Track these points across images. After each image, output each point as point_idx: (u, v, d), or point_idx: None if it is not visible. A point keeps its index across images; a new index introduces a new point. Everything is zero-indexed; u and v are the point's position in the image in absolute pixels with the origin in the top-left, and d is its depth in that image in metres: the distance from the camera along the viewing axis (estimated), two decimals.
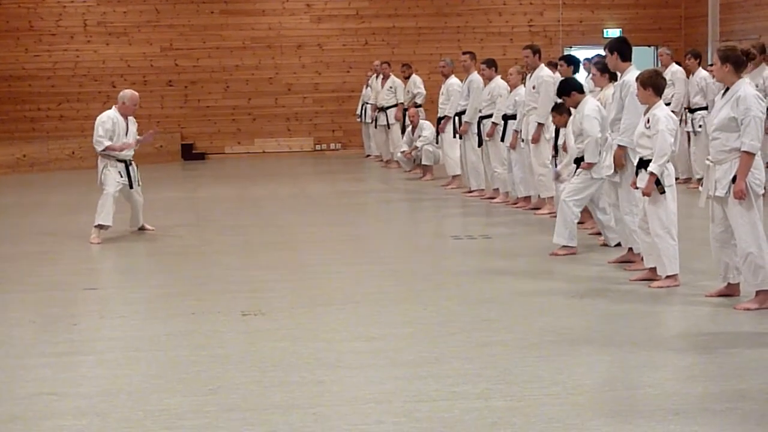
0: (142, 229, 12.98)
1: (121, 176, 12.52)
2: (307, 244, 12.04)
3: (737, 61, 8.17)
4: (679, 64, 17.89)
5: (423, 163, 18.68)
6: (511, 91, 14.77)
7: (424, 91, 20.77)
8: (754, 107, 8.02)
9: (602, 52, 10.95)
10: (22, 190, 18.48)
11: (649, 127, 9.06)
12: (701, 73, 16.46)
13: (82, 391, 6.42)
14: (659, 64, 23.36)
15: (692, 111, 16.48)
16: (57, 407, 6.14)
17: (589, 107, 10.77)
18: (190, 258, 11.39)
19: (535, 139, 13.62)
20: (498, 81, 15.32)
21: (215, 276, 10.15)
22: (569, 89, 11.17)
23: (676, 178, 9.48)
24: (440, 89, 17.74)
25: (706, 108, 16.11)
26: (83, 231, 12.77)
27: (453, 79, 17.26)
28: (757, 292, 8.24)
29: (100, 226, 12.35)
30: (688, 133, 16.66)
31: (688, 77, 16.96)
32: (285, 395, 6.23)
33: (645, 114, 9.18)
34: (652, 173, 8.91)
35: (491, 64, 15.33)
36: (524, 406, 5.94)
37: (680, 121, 17.64)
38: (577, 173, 10.77)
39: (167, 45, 24.68)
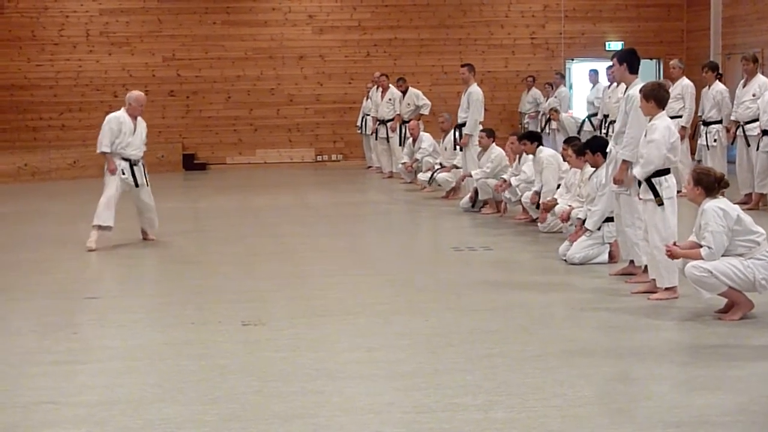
0: (144, 237, 12.97)
1: (124, 174, 12.55)
2: (308, 254, 12.04)
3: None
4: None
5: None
6: None
7: (429, 102, 20.90)
8: None
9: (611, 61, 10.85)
10: (23, 199, 18.47)
11: (646, 137, 9.11)
12: (717, 86, 16.29)
13: (82, 400, 6.41)
14: (662, 77, 23.50)
15: (707, 124, 16.33)
16: (56, 416, 6.13)
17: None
18: (191, 267, 11.39)
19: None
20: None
21: (215, 286, 10.14)
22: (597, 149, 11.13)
23: (678, 191, 9.48)
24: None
25: (720, 122, 16.02)
26: (84, 240, 12.74)
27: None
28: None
29: (99, 227, 12.37)
30: (701, 146, 16.58)
31: (701, 89, 16.91)
32: (284, 405, 6.22)
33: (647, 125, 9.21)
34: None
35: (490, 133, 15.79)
36: (524, 418, 5.93)
37: (694, 134, 17.66)
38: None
39: (169, 55, 24.71)
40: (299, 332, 8.12)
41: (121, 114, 12.72)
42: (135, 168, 12.69)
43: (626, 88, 10.04)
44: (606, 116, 18.62)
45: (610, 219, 10.67)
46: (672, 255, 8.45)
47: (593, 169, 11.11)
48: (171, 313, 8.96)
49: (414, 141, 19.28)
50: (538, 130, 23.08)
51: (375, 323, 8.40)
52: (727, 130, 15.77)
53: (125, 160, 12.64)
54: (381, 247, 12.78)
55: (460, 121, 16.53)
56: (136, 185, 12.67)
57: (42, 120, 24.50)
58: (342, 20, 25.12)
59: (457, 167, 17.20)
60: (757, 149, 14.97)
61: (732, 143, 15.91)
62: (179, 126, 24.84)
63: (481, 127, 15.92)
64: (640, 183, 9.25)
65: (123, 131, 12.60)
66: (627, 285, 9.75)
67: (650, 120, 9.18)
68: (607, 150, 10.33)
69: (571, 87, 25.57)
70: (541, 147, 13.67)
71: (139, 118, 12.82)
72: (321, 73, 25.16)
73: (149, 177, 13.02)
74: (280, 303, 9.25)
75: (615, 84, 17.81)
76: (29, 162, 22.03)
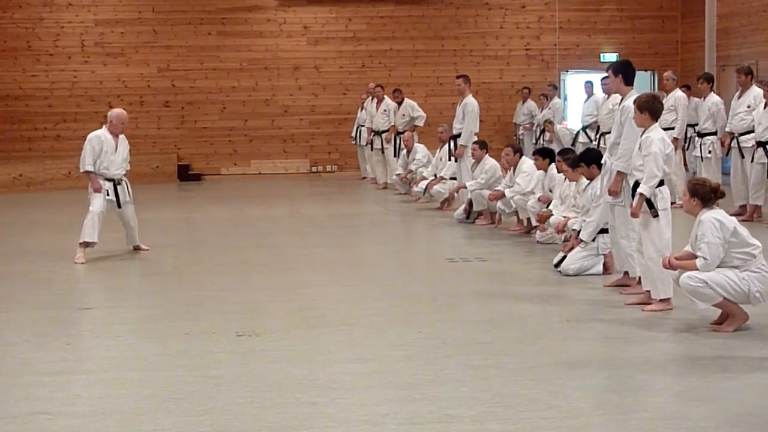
0: (136, 248, 12.99)
1: (108, 195, 12.54)
2: (302, 265, 12.03)
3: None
4: (689, 87, 17.92)
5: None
6: None
7: (424, 114, 20.92)
8: None
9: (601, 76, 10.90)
10: (17, 210, 18.45)
11: (640, 149, 9.11)
12: (713, 98, 16.30)
13: (76, 410, 6.40)
14: (656, 88, 23.54)
15: (701, 136, 16.34)
16: (50, 427, 6.11)
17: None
18: (185, 278, 11.37)
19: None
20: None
21: (210, 296, 10.13)
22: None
23: (672, 203, 9.48)
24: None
25: (715, 133, 16.03)
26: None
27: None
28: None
29: (85, 244, 12.37)
30: (696, 158, 16.61)
31: (689, 101, 16.91)
32: (278, 416, 6.21)
33: (641, 136, 9.21)
34: (641, 194, 8.95)
35: (483, 145, 15.81)
36: (519, 430, 5.92)
37: (687, 146, 17.72)
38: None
39: (164, 66, 24.71)
40: (294, 343, 8.11)
41: (102, 132, 12.66)
42: (119, 187, 12.66)
43: (621, 100, 10.03)
44: (598, 127, 18.68)
45: (604, 230, 10.67)
46: (670, 267, 8.45)
47: (588, 180, 11.12)
48: (165, 323, 8.94)
49: (408, 152, 19.30)
50: (533, 141, 23.14)
51: (370, 334, 8.39)
52: (722, 142, 15.78)
53: (108, 180, 12.61)
54: (376, 257, 12.77)
55: (455, 132, 16.54)
56: (119, 206, 12.66)
57: (37, 130, 24.49)
58: (337, 31, 25.14)
59: (444, 178, 17.22)
60: (752, 161, 14.99)
61: (726, 155, 15.93)
62: (174, 136, 24.83)
63: (475, 139, 15.94)
64: (633, 194, 9.26)
65: (104, 150, 12.55)
66: (621, 296, 9.76)
67: (643, 132, 9.19)
68: (602, 161, 10.35)
69: (565, 98, 25.61)
70: (552, 164, 13.61)
71: (122, 136, 12.77)
72: (316, 84, 25.17)
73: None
74: (275, 314, 9.24)
75: (606, 95, 17.84)
76: (24, 172, 22.01)
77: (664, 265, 8.54)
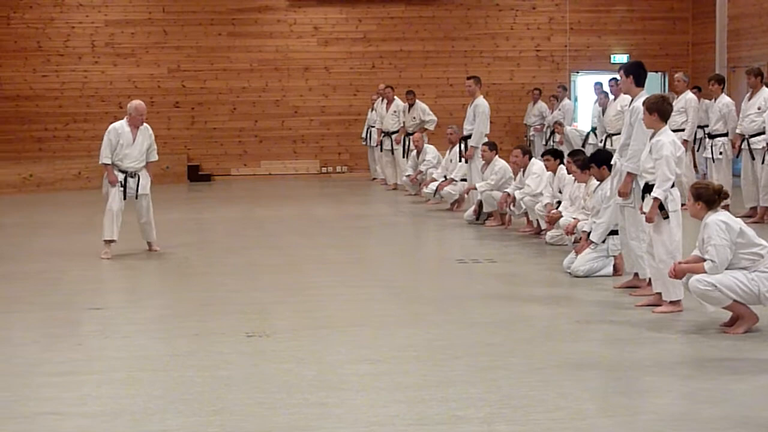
0: (150, 249, 13.00)
1: (121, 186, 12.60)
2: (312, 266, 12.04)
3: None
4: (699, 88, 17.86)
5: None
6: None
7: (435, 118, 20.91)
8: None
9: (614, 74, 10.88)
10: (28, 210, 18.49)
11: (651, 152, 9.10)
12: (723, 99, 16.24)
13: (85, 410, 6.42)
14: (667, 90, 23.52)
15: (712, 137, 16.30)
16: (60, 427, 6.13)
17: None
18: (195, 279, 11.39)
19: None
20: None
21: (219, 297, 10.15)
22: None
23: (683, 204, 9.47)
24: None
25: (726, 134, 15.98)
26: (88, 251, 12.78)
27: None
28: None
29: (107, 242, 12.48)
30: (707, 159, 16.59)
31: (699, 102, 16.88)
32: (288, 417, 6.22)
33: (650, 139, 9.19)
34: (655, 198, 8.93)
35: (493, 146, 15.76)
36: (527, 431, 5.92)
37: (698, 147, 17.69)
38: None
39: (175, 66, 24.75)
40: (303, 344, 8.12)
41: (121, 125, 12.74)
42: (132, 180, 12.70)
43: (631, 101, 10.02)
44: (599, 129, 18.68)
45: (614, 232, 10.67)
46: (675, 274, 8.45)
47: (598, 181, 11.11)
48: (175, 324, 8.96)
49: (418, 153, 19.31)
50: (543, 142, 23.13)
51: (379, 335, 8.40)
52: (733, 144, 15.75)
53: (122, 172, 12.67)
54: (385, 259, 12.78)
55: (465, 133, 16.54)
56: (125, 197, 12.68)
57: (47, 131, 24.55)
58: (347, 32, 25.16)
59: (455, 180, 17.21)
60: (763, 162, 14.96)
61: (737, 156, 15.89)
62: (184, 137, 24.87)
63: (485, 140, 15.94)
64: (644, 196, 9.25)
65: (120, 143, 12.63)
66: (631, 298, 9.75)
67: (653, 135, 9.18)
68: (612, 162, 10.34)
69: (575, 100, 25.58)
70: (561, 165, 13.58)
71: (144, 128, 12.80)
72: (326, 85, 25.19)
73: (153, 189, 13.03)
74: (284, 314, 9.25)
75: (613, 97, 17.83)
76: (34, 173, 22.05)
77: (670, 274, 8.54)
